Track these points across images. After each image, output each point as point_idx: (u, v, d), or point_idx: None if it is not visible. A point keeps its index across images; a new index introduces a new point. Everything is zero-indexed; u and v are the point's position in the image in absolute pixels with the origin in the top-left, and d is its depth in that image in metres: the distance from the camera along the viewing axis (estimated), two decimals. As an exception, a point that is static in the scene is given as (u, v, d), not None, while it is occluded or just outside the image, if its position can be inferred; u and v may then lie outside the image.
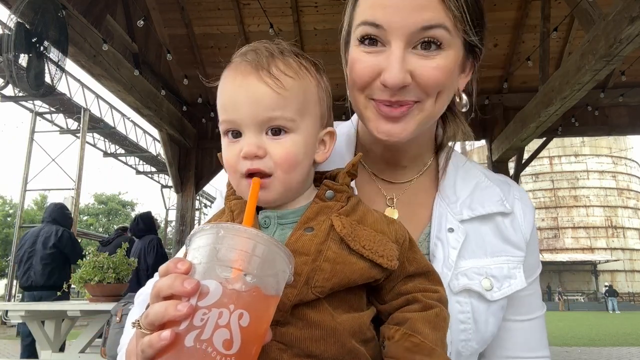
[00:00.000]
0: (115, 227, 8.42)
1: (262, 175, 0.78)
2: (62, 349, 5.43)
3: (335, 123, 0.97)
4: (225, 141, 0.82)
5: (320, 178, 0.89)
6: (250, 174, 0.79)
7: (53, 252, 6.22)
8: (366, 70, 0.86)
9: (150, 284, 1.07)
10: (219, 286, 0.58)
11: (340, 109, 1.07)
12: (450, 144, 1.06)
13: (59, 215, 6.66)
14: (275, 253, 0.62)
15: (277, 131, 0.79)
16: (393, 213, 1.00)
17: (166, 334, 0.56)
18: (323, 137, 0.87)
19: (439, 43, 0.84)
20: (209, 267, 0.60)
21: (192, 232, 0.65)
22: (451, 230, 0.96)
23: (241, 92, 0.79)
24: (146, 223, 7.10)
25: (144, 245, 6.83)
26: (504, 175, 1.13)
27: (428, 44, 0.84)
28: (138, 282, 6.38)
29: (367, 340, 0.79)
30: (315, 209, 0.81)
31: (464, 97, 0.97)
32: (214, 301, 0.57)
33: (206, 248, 0.61)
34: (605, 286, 40.22)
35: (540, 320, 1.04)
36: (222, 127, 0.82)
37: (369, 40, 0.86)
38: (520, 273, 0.98)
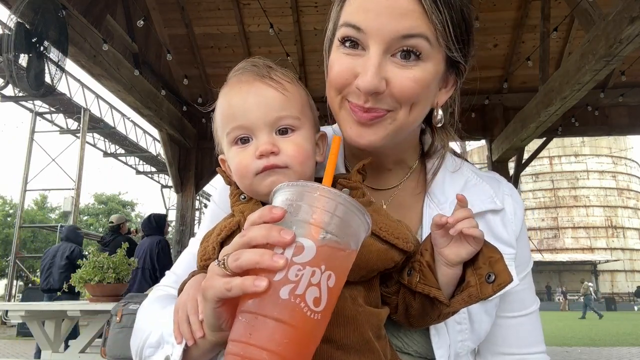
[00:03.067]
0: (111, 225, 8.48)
1: (279, 168, 0.83)
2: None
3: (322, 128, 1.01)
4: (233, 150, 0.86)
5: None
6: (266, 170, 0.83)
7: (66, 264, 7.84)
8: (343, 72, 0.86)
9: (167, 276, 1.07)
10: (313, 245, 0.60)
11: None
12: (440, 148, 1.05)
13: (72, 235, 8.37)
14: (360, 218, 0.65)
15: (284, 131, 0.85)
16: None
17: (262, 282, 0.58)
18: (317, 140, 0.93)
19: (418, 53, 0.83)
20: (304, 225, 0.62)
21: (280, 186, 0.66)
22: None
23: (249, 97, 0.84)
24: (159, 223, 7.23)
25: (152, 244, 6.91)
26: (493, 172, 1.12)
27: (407, 53, 0.83)
28: (140, 280, 6.49)
29: (380, 337, 0.82)
30: None
31: (440, 112, 0.96)
32: (309, 259, 0.59)
33: (300, 205, 0.63)
34: (590, 285, 40.47)
35: (534, 316, 1.04)
36: (230, 136, 0.86)
37: (350, 42, 0.86)
38: (512, 270, 0.98)
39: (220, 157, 0.96)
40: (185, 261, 1.05)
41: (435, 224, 0.78)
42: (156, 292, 1.03)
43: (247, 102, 0.84)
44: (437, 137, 1.03)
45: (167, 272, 1.09)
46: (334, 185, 0.88)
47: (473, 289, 0.77)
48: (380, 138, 0.88)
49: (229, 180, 0.95)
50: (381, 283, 0.87)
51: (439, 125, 0.97)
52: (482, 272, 0.77)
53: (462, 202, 0.79)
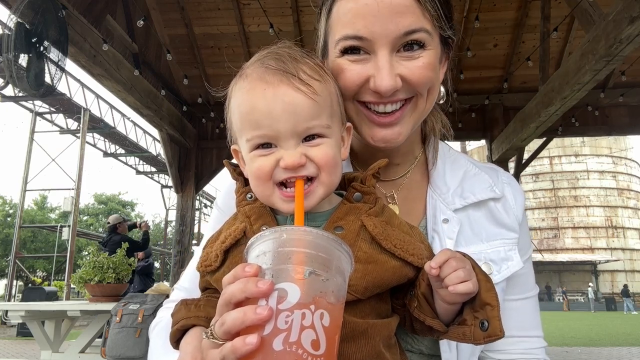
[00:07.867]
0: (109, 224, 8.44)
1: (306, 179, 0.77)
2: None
3: None
4: (254, 153, 0.79)
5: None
6: (283, 183, 0.78)
7: None
8: (354, 77, 0.88)
9: (176, 291, 1.04)
10: (296, 287, 0.56)
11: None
12: (440, 134, 1.09)
13: None
14: (340, 252, 0.61)
15: (311, 137, 0.78)
16: (395, 210, 1.01)
17: (252, 338, 0.54)
18: (343, 134, 0.87)
19: (421, 43, 0.87)
20: (281, 270, 0.58)
21: (250, 242, 0.62)
22: (446, 221, 0.98)
23: (276, 105, 0.75)
24: None
25: None
26: (490, 163, 1.15)
27: (410, 45, 0.86)
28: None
29: (391, 346, 0.81)
30: (345, 209, 0.82)
31: (442, 89, 1.00)
32: (295, 302, 0.55)
33: (272, 253, 0.59)
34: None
35: (533, 300, 1.07)
36: (252, 142, 0.78)
37: (352, 50, 0.88)
38: (516, 254, 1.00)
39: (233, 147, 0.88)
40: (191, 274, 1.02)
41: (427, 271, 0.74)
42: (165, 315, 1.00)
43: (273, 111, 0.75)
44: (429, 118, 1.06)
45: (175, 287, 1.07)
46: (346, 188, 0.87)
47: (467, 330, 0.74)
48: (406, 134, 0.92)
49: (235, 176, 0.90)
50: (392, 294, 0.85)
51: (442, 101, 1.01)
52: (478, 315, 0.74)
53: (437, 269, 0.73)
